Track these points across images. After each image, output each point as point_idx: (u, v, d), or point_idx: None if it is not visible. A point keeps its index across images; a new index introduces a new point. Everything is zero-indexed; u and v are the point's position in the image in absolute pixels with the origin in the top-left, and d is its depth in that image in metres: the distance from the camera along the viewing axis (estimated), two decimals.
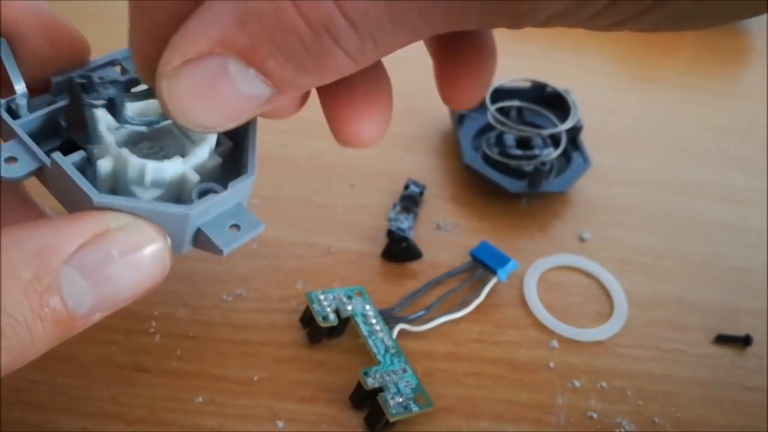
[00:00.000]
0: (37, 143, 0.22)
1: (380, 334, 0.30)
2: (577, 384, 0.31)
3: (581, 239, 0.37)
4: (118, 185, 0.23)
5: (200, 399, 0.28)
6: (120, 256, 0.20)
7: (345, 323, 0.30)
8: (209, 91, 0.18)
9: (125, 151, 0.22)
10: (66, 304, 0.20)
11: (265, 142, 0.40)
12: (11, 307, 0.19)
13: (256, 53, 0.17)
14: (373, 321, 0.30)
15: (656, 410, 0.30)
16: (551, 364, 0.31)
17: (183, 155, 0.23)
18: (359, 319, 0.30)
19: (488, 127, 0.40)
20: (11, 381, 0.27)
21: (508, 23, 0.18)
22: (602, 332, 0.33)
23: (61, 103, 0.23)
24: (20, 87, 0.23)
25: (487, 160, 0.38)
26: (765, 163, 0.43)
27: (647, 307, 0.34)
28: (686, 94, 0.48)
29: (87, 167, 0.22)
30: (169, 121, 0.23)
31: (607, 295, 0.34)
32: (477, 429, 0.29)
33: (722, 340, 0.33)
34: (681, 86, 0.49)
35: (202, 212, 0.22)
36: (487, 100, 0.39)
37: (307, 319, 0.30)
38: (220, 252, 0.23)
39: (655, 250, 0.37)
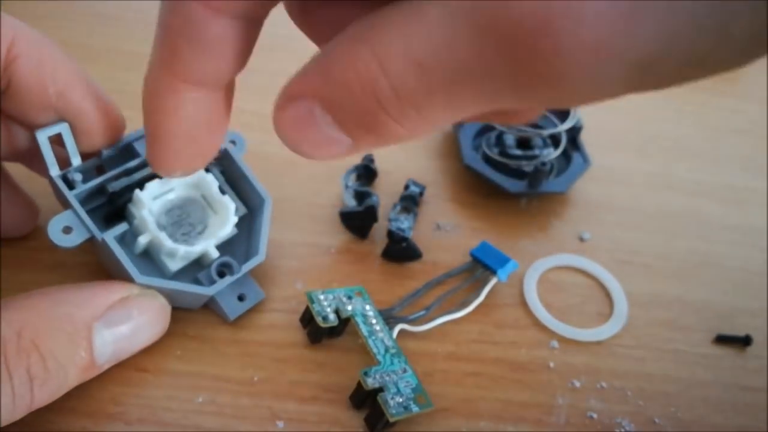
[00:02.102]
0: (86, 202, 0.28)
1: (380, 334, 0.30)
2: (577, 384, 0.31)
3: (581, 239, 0.37)
4: (152, 251, 0.29)
5: (200, 399, 0.28)
6: (138, 315, 0.26)
7: (345, 323, 0.30)
8: (301, 125, 0.21)
9: (163, 236, 0.28)
10: (93, 353, 0.25)
11: (265, 143, 0.40)
12: (57, 352, 0.24)
13: (332, 103, 0.20)
14: (373, 321, 0.30)
15: (656, 410, 0.30)
16: (551, 364, 0.31)
17: (205, 222, 0.30)
18: (359, 319, 0.30)
19: (488, 127, 0.40)
20: None
21: (544, 105, 0.20)
22: (602, 332, 0.33)
23: (109, 174, 0.28)
24: (76, 161, 0.28)
25: (487, 160, 0.38)
26: (765, 163, 0.43)
27: (647, 307, 0.34)
28: (686, 94, 0.48)
29: (128, 234, 0.28)
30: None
31: (607, 295, 0.34)
32: (477, 429, 0.29)
33: (722, 340, 0.33)
34: (681, 86, 0.49)
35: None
36: None
37: (307, 319, 0.30)
38: (228, 318, 0.29)
39: (655, 250, 0.37)
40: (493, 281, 0.33)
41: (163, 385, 0.28)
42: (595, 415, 0.29)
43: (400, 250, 0.34)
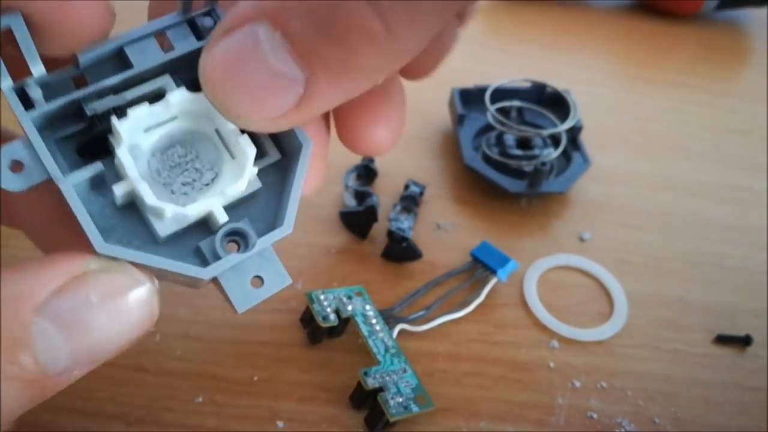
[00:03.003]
0: (54, 129, 0.20)
1: (380, 334, 0.30)
2: (577, 384, 0.31)
3: (581, 239, 0.37)
4: (139, 206, 0.20)
5: (200, 399, 0.28)
6: (100, 302, 0.18)
7: (345, 323, 0.30)
8: (238, 61, 0.16)
9: (143, 188, 0.19)
10: (38, 360, 0.17)
11: None
12: None
13: (282, 13, 0.15)
14: (373, 321, 0.30)
15: (656, 410, 0.30)
16: (551, 364, 0.31)
17: (218, 168, 0.21)
18: (359, 319, 0.30)
19: (488, 127, 0.40)
20: None
21: None
22: (602, 332, 0.33)
23: (87, 90, 0.20)
24: (37, 69, 0.19)
25: (487, 160, 0.38)
26: (765, 163, 0.43)
27: (647, 307, 0.34)
28: (686, 94, 0.48)
29: (109, 178, 0.20)
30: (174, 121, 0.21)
31: (607, 295, 0.34)
32: (477, 429, 0.29)
33: (722, 340, 0.33)
34: (681, 86, 0.49)
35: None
36: (487, 100, 0.39)
37: (307, 319, 0.30)
38: (235, 310, 0.21)
39: (655, 250, 0.37)
40: (493, 281, 0.33)
41: (163, 385, 0.28)
42: (595, 415, 0.29)
43: (400, 250, 0.34)
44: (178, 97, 0.20)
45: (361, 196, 0.35)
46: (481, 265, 0.33)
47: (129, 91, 0.20)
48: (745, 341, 0.33)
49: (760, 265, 0.37)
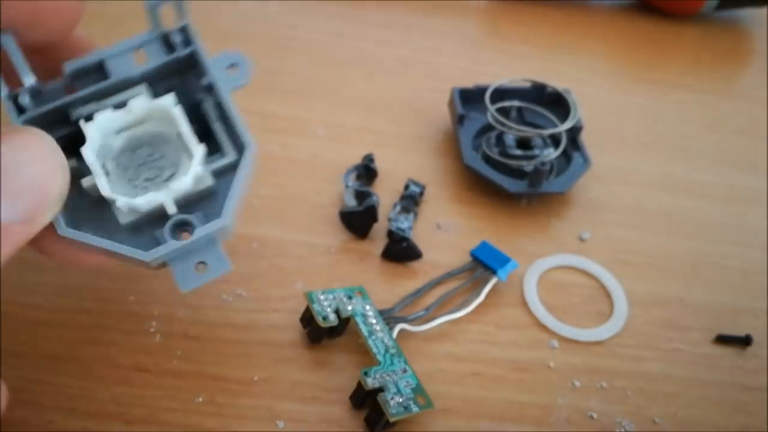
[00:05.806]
0: (49, 131, 0.22)
1: (380, 334, 0.30)
2: (577, 384, 0.31)
3: (581, 239, 0.37)
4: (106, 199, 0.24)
5: (200, 399, 0.28)
6: (6, 151, 0.20)
7: (345, 323, 0.30)
8: None
9: (102, 181, 0.23)
10: None
11: (265, 142, 0.40)
12: None
13: None
14: (373, 321, 0.30)
15: (656, 410, 0.30)
16: (551, 364, 0.31)
17: (176, 167, 0.24)
18: (359, 319, 0.30)
19: (488, 127, 0.40)
20: (12, 381, 0.27)
21: None
22: (602, 332, 0.33)
23: (72, 97, 0.23)
24: (28, 80, 0.23)
25: (487, 160, 0.38)
26: (765, 163, 0.43)
27: (647, 307, 0.34)
28: (686, 94, 0.48)
29: (78, 174, 0.23)
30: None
31: (607, 295, 0.35)
32: (477, 429, 0.29)
33: (722, 340, 0.33)
34: (681, 86, 0.49)
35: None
36: (487, 100, 0.39)
37: (307, 319, 0.30)
38: (180, 289, 0.23)
39: (655, 250, 0.37)
40: (493, 281, 0.33)
41: (163, 385, 0.28)
42: (595, 415, 0.30)
43: (400, 250, 0.34)
44: (138, 103, 0.23)
45: (361, 195, 0.35)
46: (481, 265, 0.33)
47: (110, 98, 0.24)
48: (745, 341, 0.33)
49: (760, 265, 0.37)
